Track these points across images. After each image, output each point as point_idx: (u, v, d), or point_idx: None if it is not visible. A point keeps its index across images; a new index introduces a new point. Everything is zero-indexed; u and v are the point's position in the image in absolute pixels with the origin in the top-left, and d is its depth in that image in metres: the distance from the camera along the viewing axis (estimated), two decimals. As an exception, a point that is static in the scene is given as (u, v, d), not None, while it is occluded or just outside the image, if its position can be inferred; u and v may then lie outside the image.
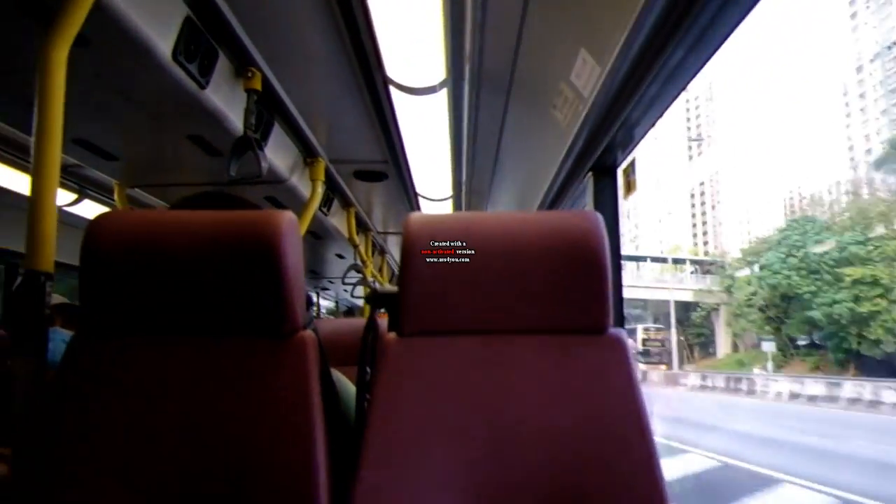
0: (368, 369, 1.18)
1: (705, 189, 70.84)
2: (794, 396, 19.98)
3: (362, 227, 4.15)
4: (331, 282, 6.36)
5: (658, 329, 39.82)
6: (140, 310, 0.97)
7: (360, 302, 5.94)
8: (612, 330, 1.01)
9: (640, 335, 39.17)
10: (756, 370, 32.16)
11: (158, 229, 0.97)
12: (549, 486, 0.92)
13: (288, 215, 0.98)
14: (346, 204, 3.60)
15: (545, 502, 0.92)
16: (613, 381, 0.97)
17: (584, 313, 0.99)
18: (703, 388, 25.73)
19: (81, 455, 0.92)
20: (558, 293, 0.98)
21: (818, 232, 34.88)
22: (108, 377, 0.96)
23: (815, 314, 31.19)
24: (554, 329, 1.00)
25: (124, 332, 0.98)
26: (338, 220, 3.56)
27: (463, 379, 0.97)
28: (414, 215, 1.02)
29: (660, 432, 10.56)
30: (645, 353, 38.54)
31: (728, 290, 39.59)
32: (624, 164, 2.21)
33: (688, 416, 15.38)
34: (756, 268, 37.08)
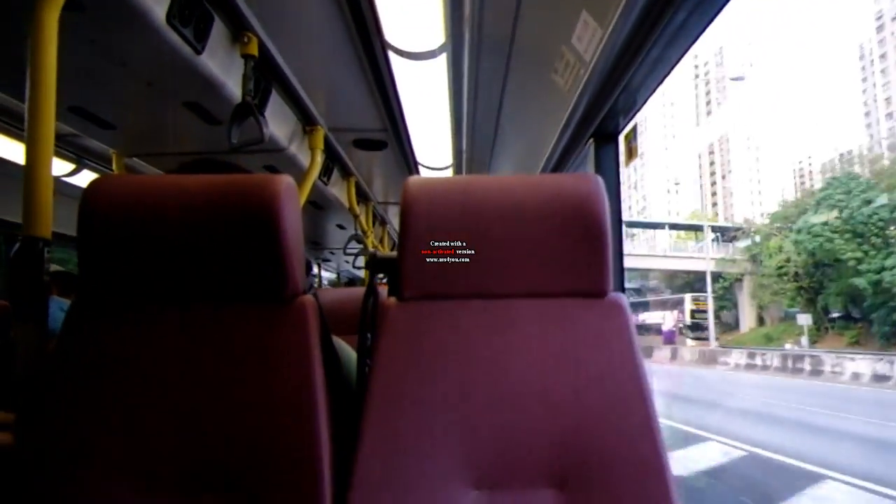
0: (369, 335, 1.18)
1: (715, 158, 70.24)
2: (880, 378, 15.93)
3: (363, 196, 4.14)
4: (332, 252, 6.37)
5: (704, 300, 34.21)
6: (138, 275, 0.97)
7: (362, 273, 5.95)
8: (613, 294, 1.01)
9: (688, 306, 35.65)
10: (788, 345, 29.16)
11: (156, 193, 0.96)
12: (549, 449, 0.93)
13: (286, 179, 0.97)
14: (346, 173, 3.58)
15: (545, 465, 0.93)
16: (613, 344, 0.98)
17: (584, 277, 0.99)
18: (749, 367, 21.47)
19: (83, 423, 0.93)
20: (558, 256, 0.98)
21: (864, 190, 31.11)
22: (107, 344, 0.97)
23: (860, 282, 27.98)
24: (554, 293, 1.00)
25: (123, 297, 0.98)
26: (338, 190, 3.54)
27: (463, 342, 0.98)
28: (413, 179, 1.01)
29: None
30: (694, 328, 34.74)
31: (754, 258, 36.16)
32: (626, 130, 2.19)
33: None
34: (792, 235, 32.61)
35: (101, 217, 0.95)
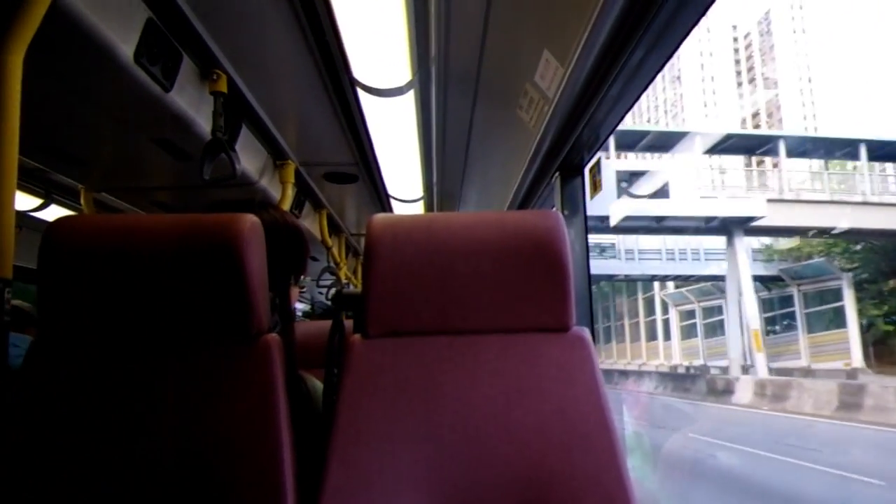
0: (336, 371, 1.19)
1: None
2: None
3: (335, 229, 4.15)
4: (305, 285, 6.32)
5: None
6: (100, 316, 0.97)
7: (336, 304, 5.91)
8: (576, 328, 1.03)
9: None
10: None
11: (118, 233, 0.96)
12: (514, 484, 0.94)
13: (250, 218, 0.98)
14: (318, 206, 3.59)
15: (511, 500, 0.93)
16: (577, 378, 0.99)
17: (547, 311, 1.01)
18: None
19: (38, 466, 0.91)
20: (521, 292, 1.00)
21: None
22: (67, 385, 0.95)
23: None
24: (517, 328, 1.01)
25: (84, 338, 0.98)
26: (310, 223, 3.55)
27: (428, 379, 0.98)
28: (377, 216, 1.03)
29: None
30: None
31: None
32: (590, 164, 2.24)
33: None
34: None
35: (62, 256, 0.95)
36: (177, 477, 0.92)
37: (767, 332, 21.25)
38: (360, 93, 2.10)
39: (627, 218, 20.20)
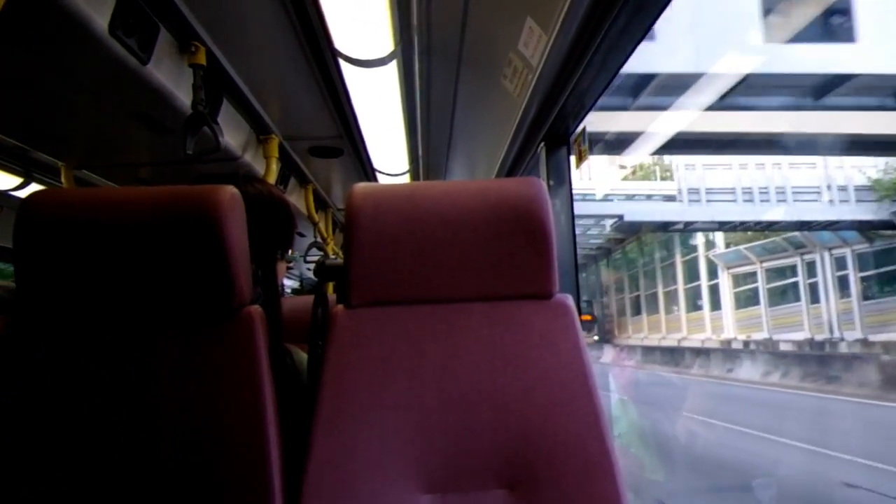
0: (320, 343, 1.19)
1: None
2: None
3: (321, 204, 4.13)
4: (293, 260, 6.31)
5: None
6: (78, 290, 0.96)
7: (324, 280, 5.91)
8: (559, 295, 1.04)
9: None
10: None
11: (95, 206, 0.95)
12: (498, 450, 0.95)
13: (230, 189, 0.97)
14: (304, 181, 3.57)
15: (496, 466, 0.95)
16: (560, 345, 1.00)
17: (529, 279, 1.02)
18: None
19: (23, 444, 0.92)
20: (504, 259, 1.00)
21: None
22: (44, 361, 0.95)
23: None
24: (501, 296, 1.02)
25: (62, 313, 0.97)
26: (296, 198, 3.52)
27: (411, 348, 0.99)
28: (358, 186, 1.03)
29: None
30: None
31: None
32: (575, 133, 2.24)
33: None
34: None
35: (38, 231, 0.94)
36: (160, 451, 0.92)
37: (865, 297, 15.55)
38: (343, 64, 2.07)
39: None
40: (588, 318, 23.40)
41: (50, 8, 1.34)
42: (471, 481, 0.94)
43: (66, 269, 0.95)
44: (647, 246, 25.24)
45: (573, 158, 2.25)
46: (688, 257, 23.08)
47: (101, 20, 1.45)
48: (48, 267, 0.95)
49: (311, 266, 3.87)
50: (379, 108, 2.55)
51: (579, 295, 2.29)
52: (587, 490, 0.93)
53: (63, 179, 2.57)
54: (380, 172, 3.50)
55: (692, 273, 22.63)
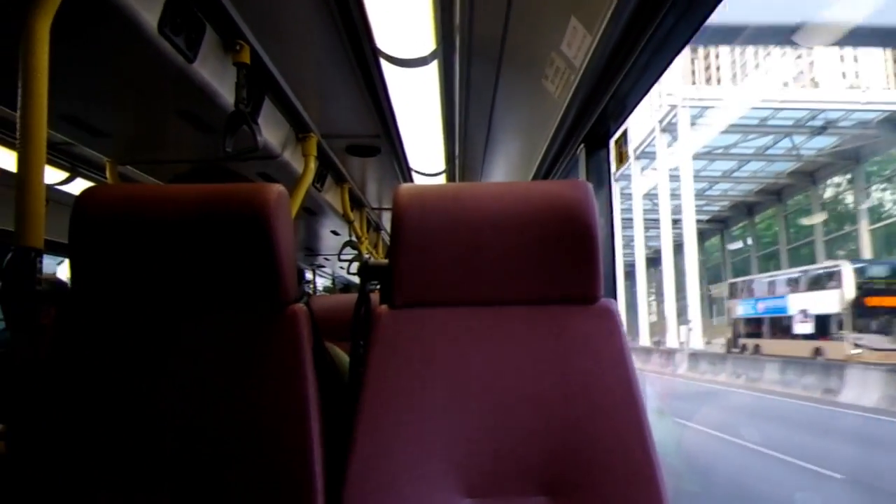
0: (361, 342, 1.19)
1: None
2: None
3: (356, 203, 4.15)
4: (327, 259, 6.37)
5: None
6: (130, 284, 0.98)
7: (357, 279, 5.96)
8: (603, 300, 1.03)
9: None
10: None
11: (147, 203, 0.97)
12: (540, 455, 0.94)
13: (277, 188, 0.98)
14: (340, 180, 3.59)
15: (537, 472, 0.94)
16: (604, 350, 0.99)
17: (574, 283, 1.00)
18: None
19: (74, 431, 0.94)
20: (548, 263, 0.99)
21: None
22: (98, 352, 0.97)
23: None
24: (544, 299, 1.01)
25: (114, 306, 0.99)
26: (332, 197, 3.55)
27: (454, 350, 0.98)
28: (404, 186, 1.03)
29: None
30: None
31: None
32: (616, 135, 2.21)
33: None
34: None
35: (92, 226, 0.96)
36: (204, 442, 0.93)
37: None
38: (383, 63, 2.08)
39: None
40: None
41: (102, 6, 1.36)
42: (511, 487, 0.94)
43: (118, 263, 0.97)
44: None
45: (613, 160, 2.23)
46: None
47: (150, 18, 1.48)
48: (102, 261, 0.97)
49: (345, 265, 3.88)
50: (418, 107, 2.55)
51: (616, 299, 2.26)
52: (629, 496, 0.92)
53: (108, 175, 2.62)
54: (416, 172, 3.50)
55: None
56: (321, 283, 8.90)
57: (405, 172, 3.49)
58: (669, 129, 19.76)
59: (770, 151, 19.16)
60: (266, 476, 0.92)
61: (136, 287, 0.98)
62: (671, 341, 20.40)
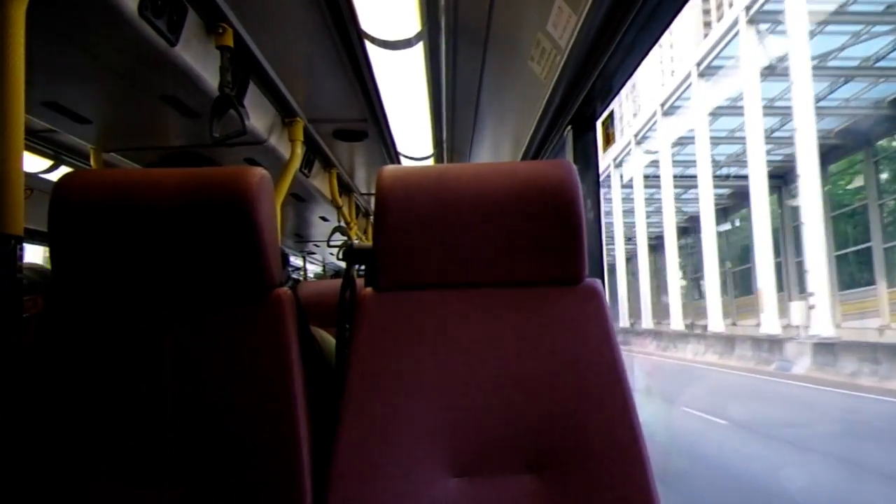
0: (347, 326, 1.19)
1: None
2: None
3: (345, 188, 4.14)
4: (317, 245, 6.36)
5: None
6: (112, 270, 0.97)
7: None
8: (588, 280, 1.03)
9: None
10: None
11: (128, 187, 0.96)
12: (526, 435, 0.95)
13: (259, 171, 0.97)
14: (328, 165, 3.58)
15: (523, 451, 0.95)
16: (589, 331, 0.99)
17: (559, 264, 1.00)
18: None
19: (59, 420, 0.93)
20: (533, 244, 0.99)
21: None
22: (82, 340, 0.97)
23: None
24: (529, 280, 1.01)
25: (96, 292, 0.98)
26: (320, 182, 3.54)
27: (439, 331, 0.99)
28: (387, 168, 1.02)
29: None
30: None
31: None
32: (603, 117, 2.20)
33: None
34: None
35: (72, 212, 0.95)
36: (191, 428, 0.93)
37: None
38: (369, 46, 2.06)
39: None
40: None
41: None
42: (498, 465, 0.94)
43: (99, 249, 0.96)
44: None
45: (600, 141, 2.22)
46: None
47: (131, 2, 1.46)
48: (82, 247, 0.96)
49: (334, 251, 3.90)
50: (404, 90, 2.54)
51: (604, 280, 2.26)
52: (615, 475, 0.92)
53: (92, 162, 2.60)
54: (404, 156, 3.49)
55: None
56: (312, 269, 8.88)
57: (393, 157, 3.48)
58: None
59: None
60: (253, 459, 0.92)
61: (118, 273, 0.98)
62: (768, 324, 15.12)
